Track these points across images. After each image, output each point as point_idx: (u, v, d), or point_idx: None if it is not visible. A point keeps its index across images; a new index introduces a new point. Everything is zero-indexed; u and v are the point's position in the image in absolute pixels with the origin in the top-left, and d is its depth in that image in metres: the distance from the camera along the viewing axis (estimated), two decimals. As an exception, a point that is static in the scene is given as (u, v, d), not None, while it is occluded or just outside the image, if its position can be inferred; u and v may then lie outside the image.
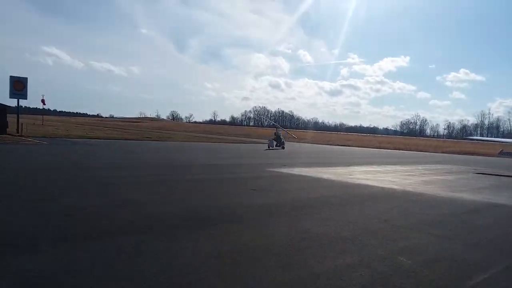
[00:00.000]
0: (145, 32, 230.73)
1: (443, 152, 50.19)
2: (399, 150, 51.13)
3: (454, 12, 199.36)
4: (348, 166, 19.18)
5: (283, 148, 32.49)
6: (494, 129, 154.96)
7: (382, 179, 13.83)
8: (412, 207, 8.63)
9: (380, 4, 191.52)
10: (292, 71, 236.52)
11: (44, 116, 71.64)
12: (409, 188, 11.76)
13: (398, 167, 20.06)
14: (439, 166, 22.72)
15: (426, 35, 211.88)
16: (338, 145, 57.06)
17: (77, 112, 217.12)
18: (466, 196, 10.86)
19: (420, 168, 20.65)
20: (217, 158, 20.09)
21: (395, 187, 11.91)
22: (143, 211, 6.66)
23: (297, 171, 15.18)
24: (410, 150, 52.66)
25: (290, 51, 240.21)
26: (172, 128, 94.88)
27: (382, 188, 11.42)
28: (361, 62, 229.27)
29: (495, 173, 19.34)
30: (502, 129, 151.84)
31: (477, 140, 72.30)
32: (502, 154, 38.66)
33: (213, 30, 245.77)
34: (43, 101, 57.33)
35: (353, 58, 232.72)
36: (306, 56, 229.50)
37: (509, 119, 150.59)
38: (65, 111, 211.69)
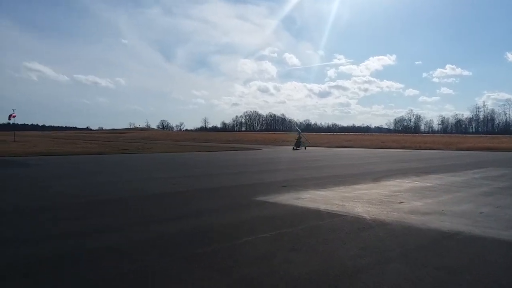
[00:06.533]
0: (130, 43, 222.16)
1: (458, 149, 44.31)
2: (409, 149, 45.18)
3: (437, 9, 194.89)
4: (377, 180, 13.01)
5: (305, 148, 40.39)
6: (489, 122, 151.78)
7: (471, 213, 7.67)
8: None
9: (363, 3, 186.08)
10: (280, 74, 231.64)
11: (24, 132, 66.53)
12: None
13: (447, 178, 13.89)
14: (493, 172, 16.60)
15: (411, 32, 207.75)
16: (339, 146, 51.03)
17: (66, 127, 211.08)
18: None
19: (476, 176, 14.53)
20: (186, 178, 13.84)
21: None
22: None
23: (308, 198, 8.99)
24: (421, 148, 46.76)
25: (276, 55, 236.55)
26: (158, 138, 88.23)
27: None
28: (347, 63, 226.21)
29: None
30: (497, 122, 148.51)
31: None
32: None
33: (198, 38, 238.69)
34: (10, 116, 52.32)
35: (339, 59, 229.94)
36: (292, 59, 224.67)
37: (504, 111, 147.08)
38: (53, 126, 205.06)
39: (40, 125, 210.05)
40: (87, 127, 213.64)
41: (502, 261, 4.63)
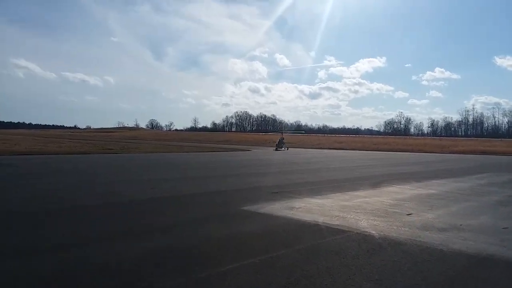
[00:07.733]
0: (119, 40, 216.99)
1: (451, 152, 43.69)
2: (402, 152, 44.40)
3: (428, 12, 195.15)
4: (377, 186, 11.95)
5: (287, 149, 40.34)
6: (478, 125, 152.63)
7: (493, 229, 6.58)
8: None
9: (354, 5, 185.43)
10: (271, 75, 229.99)
11: (10, 130, 64.06)
12: None
13: (451, 184, 12.88)
14: (497, 178, 15.67)
15: (401, 35, 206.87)
16: (331, 148, 50.11)
17: (53, 125, 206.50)
18: None
19: (481, 182, 13.52)
20: (167, 181, 12.60)
21: None
22: None
23: (303, 208, 7.84)
24: (413, 151, 46.02)
25: (267, 55, 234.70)
26: (147, 137, 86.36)
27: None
28: (338, 64, 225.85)
29: None
30: (486, 125, 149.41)
31: None
32: None
33: (189, 37, 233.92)
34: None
35: (330, 61, 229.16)
36: (283, 60, 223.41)
37: (493, 115, 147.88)
38: (40, 124, 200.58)
39: (27, 123, 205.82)
40: (75, 126, 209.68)
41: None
